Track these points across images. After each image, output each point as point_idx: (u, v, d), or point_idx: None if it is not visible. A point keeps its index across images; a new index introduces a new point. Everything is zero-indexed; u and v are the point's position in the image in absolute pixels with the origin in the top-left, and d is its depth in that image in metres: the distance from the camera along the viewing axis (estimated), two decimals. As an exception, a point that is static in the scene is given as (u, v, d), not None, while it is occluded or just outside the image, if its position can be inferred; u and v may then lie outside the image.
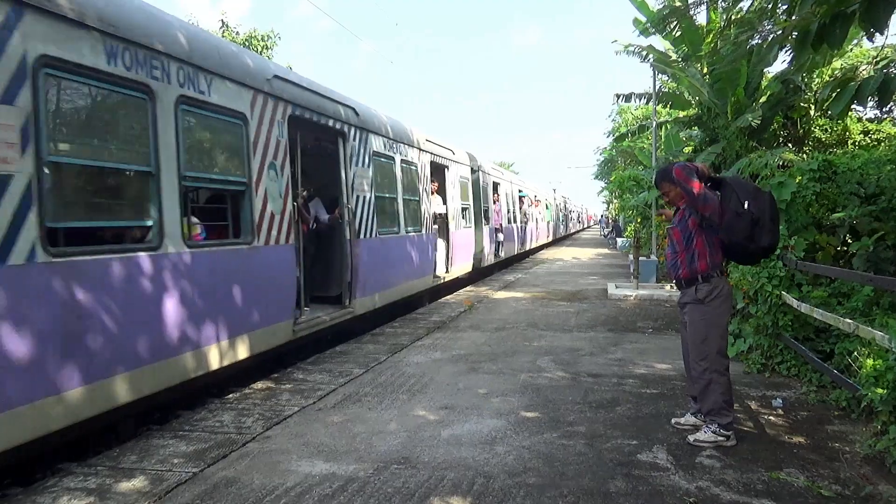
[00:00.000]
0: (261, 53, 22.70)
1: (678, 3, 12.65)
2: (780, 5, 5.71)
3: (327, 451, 4.21)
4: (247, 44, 23.14)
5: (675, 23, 12.38)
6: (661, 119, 17.25)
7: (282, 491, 3.59)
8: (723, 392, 4.22)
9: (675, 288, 4.76)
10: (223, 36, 22.44)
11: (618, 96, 16.29)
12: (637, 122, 22.48)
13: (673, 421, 4.55)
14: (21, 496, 3.59)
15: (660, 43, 15.03)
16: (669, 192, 4.49)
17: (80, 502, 3.48)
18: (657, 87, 15.07)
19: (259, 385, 5.94)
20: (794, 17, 4.98)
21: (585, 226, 80.00)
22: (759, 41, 7.54)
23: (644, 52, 14.06)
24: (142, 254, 4.71)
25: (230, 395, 5.63)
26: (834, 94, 4.54)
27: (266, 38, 24.47)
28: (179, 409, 5.53)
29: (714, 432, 4.16)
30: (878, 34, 3.73)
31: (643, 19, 14.65)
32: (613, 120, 36.00)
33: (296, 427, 4.71)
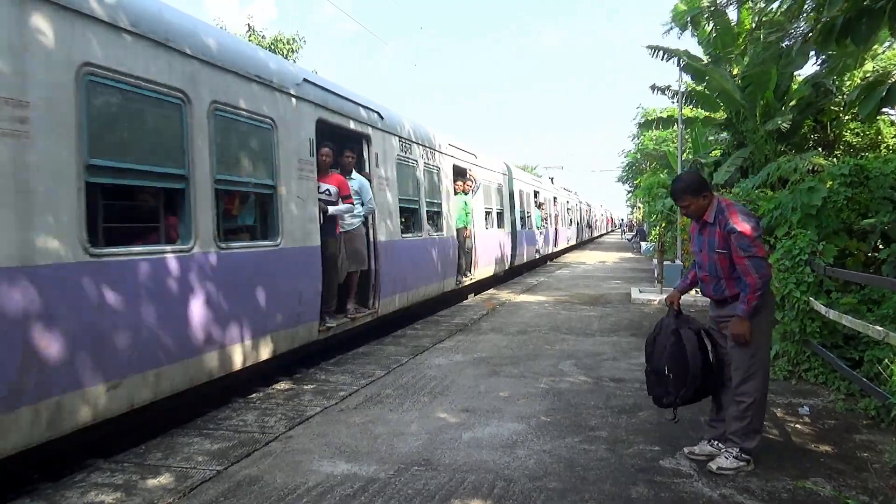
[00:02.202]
0: (286, 57, 22.96)
1: (706, 3, 12.55)
2: (807, 3, 5.65)
3: (349, 451, 4.24)
4: (272, 47, 23.40)
5: (711, 24, 12.30)
6: (688, 117, 17.04)
7: (303, 490, 3.62)
8: (760, 413, 3.89)
9: (699, 293, 4.30)
10: (249, 39, 22.74)
11: (654, 88, 16.01)
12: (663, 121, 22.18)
13: (686, 451, 4.11)
14: (50, 491, 3.67)
15: (689, 42, 14.90)
16: (690, 206, 4.02)
17: (107, 497, 3.55)
18: (684, 89, 14.91)
19: (282, 385, 6.00)
20: (822, 19, 4.92)
21: (608, 230, 77.90)
22: (790, 43, 7.44)
23: (676, 56, 13.92)
24: None
25: (253, 395, 5.69)
26: (863, 97, 4.47)
27: (291, 42, 24.72)
28: (204, 407, 5.61)
29: (736, 457, 3.80)
30: None
31: (683, 7, 14.47)
32: (638, 122, 35.66)
33: (318, 427, 4.75)
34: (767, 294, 3.89)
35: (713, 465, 3.83)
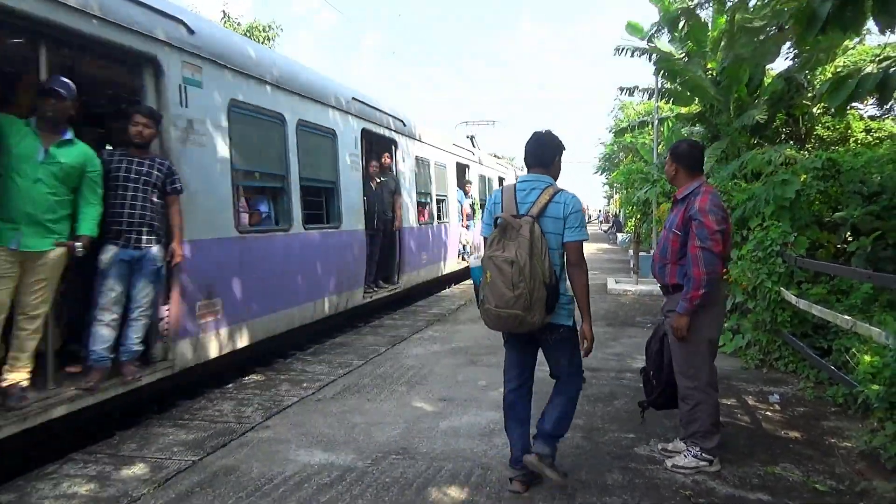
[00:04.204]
0: (263, 44, 22.68)
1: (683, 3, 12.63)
2: None
3: (326, 441, 4.23)
4: (248, 34, 23.09)
5: (683, 21, 12.38)
6: (664, 115, 17.24)
7: (280, 480, 3.61)
8: (710, 413, 3.74)
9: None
10: (224, 27, 22.41)
11: (621, 89, 16.22)
12: (639, 118, 22.38)
13: (660, 447, 4.03)
14: (21, 483, 3.61)
15: (661, 41, 14.95)
16: (668, 168, 3.96)
17: (80, 489, 3.51)
18: (659, 84, 15.05)
19: (258, 375, 5.96)
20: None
21: None
22: (764, 36, 7.50)
23: (648, 52, 14.01)
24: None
25: (230, 385, 5.65)
26: (832, 90, 4.53)
27: (267, 29, 24.44)
28: (179, 398, 5.55)
29: (696, 456, 3.71)
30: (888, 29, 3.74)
31: (639, 24, 14.68)
32: (615, 116, 35.89)
33: (295, 417, 4.73)
34: (715, 292, 3.71)
35: (668, 464, 3.77)
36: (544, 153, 3.49)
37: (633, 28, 14.78)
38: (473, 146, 17.76)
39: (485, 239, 3.45)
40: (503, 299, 3.13)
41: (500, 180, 19.10)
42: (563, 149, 3.54)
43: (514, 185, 3.43)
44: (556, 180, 3.49)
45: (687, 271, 3.65)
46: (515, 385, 3.55)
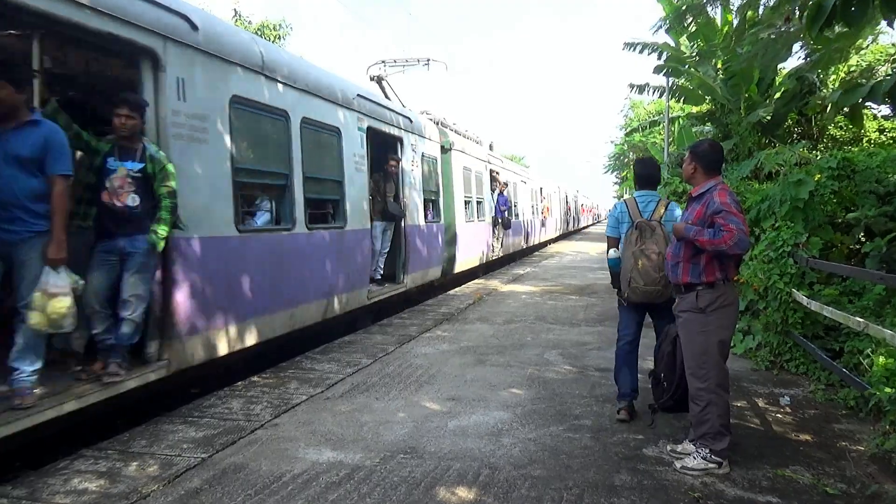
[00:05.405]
0: (273, 42, 22.77)
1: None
2: None
3: (335, 439, 4.24)
4: (259, 32, 23.19)
5: (691, 19, 12.31)
6: (674, 114, 17.17)
7: (289, 478, 3.62)
8: (721, 414, 3.74)
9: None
10: (235, 25, 22.49)
11: (632, 86, 16.19)
12: (649, 117, 22.31)
13: (668, 448, 4.02)
14: (33, 478, 3.64)
15: (673, 39, 14.84)
16: (685, 164, 4.07)
17: (90, 485, 3.53)
18: (670, 83, 14.97)
19: (267, 374, 5.98)
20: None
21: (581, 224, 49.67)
22: (773, 36, 7.45)
23: (658, 49, 13.94)
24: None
25: (238, 383, 5.67)
26: (846, 93, 4.50)
27: (278, 28, 24.55)
28: (188, 395, 5.58)
29: (705, 458, 3.70)
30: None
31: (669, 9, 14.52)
32: (626, 115, 35.82)
33: (304, 415, 4.74)
34: (727, 294, 3.79)
35: (678, 465, 3.76)
36: (652, 174, 4.85)
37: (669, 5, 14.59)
38: (386, 97, 11.42)
39: (609, 237, 4.81)
40: (651, 279, 4.37)
41: (406, 144, 10.24)
42: (660, 166, 5.03)
43: (635, 198, 4.72)
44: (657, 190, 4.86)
45: (719, 234, 3.64)
46: (630, 339, 4.72)
